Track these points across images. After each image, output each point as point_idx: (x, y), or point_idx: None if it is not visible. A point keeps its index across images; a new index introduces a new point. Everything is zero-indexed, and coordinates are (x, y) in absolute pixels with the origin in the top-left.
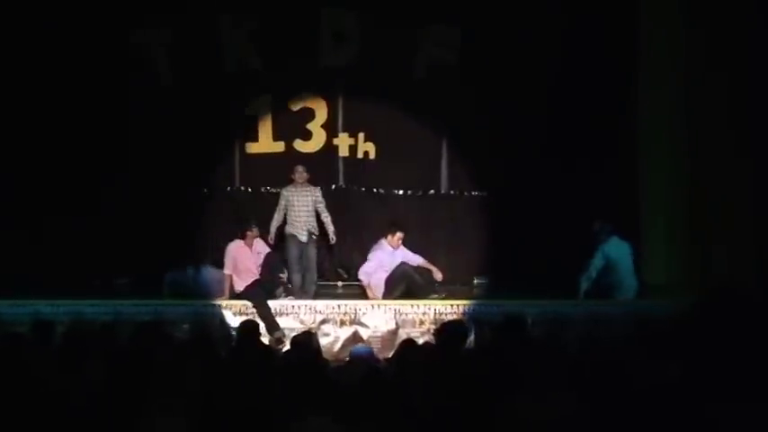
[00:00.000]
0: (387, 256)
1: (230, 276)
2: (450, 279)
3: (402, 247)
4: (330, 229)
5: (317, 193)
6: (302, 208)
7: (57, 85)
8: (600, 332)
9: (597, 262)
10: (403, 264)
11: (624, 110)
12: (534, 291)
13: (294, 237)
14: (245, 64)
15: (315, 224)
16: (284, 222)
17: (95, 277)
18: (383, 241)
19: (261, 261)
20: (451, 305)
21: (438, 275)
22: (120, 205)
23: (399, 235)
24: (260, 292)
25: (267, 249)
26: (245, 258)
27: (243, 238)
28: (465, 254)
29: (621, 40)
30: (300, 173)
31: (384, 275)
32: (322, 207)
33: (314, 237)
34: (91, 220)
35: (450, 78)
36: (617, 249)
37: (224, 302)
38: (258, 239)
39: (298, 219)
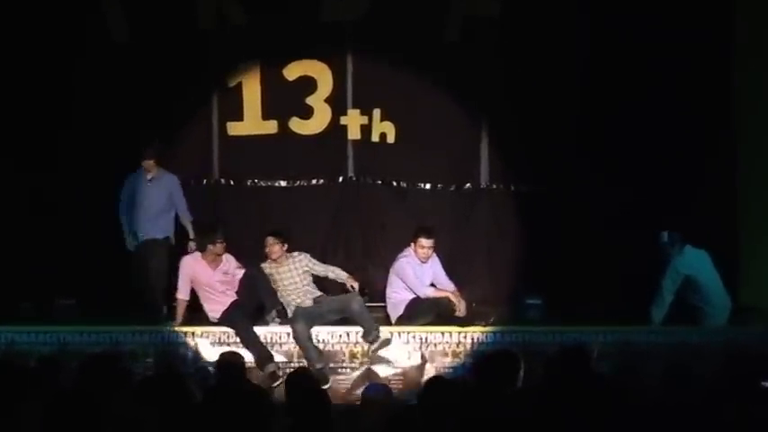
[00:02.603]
0: (417, 270)
1: (183, 302)
2: (493, 299)
3: (435, 259)
4: (343, 278)
5: (302, 260)
6: (289, 283)
7: None
8: (684, 366)
9: (670, 283)
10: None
11: (718, 94)
12: (601, 314)
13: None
14: (226, 18)
15: (314, 290)
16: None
17: (31, 298)
18: (410, 250)
19: (230, 281)
20: (494, 332)
21: (461, 310)
22: (60, 204)
23: (424, 243)
24: (241, 316)
25: (239, 270)
26: (205, 276)
27: (202, 250)
28: (512, 267)
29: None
30: (271, 245)
31: (407, 294)
32: (320, 269)
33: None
34: (23, 223)
35: (491, 38)
36: (693, 261)
37: (198, 329)
38: (228, 257)
39: (288, 295)
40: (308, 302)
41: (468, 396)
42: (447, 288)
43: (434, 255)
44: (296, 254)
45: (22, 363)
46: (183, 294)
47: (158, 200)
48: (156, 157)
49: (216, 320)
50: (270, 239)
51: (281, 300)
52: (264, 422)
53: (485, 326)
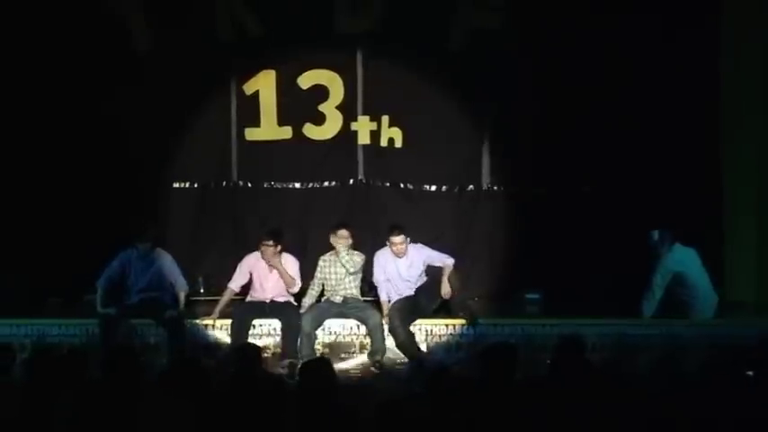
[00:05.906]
0: (390, 264)
1: (230, 291)
2: (494, 294)
3: (416, 248)
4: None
5: (357, 260)
6: (340, 278)
7: None
8: (675, 358)
9: (659, 279)
10: (418, 290)
11: (704, 96)
12: (596, 308)
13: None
14: (243, 31)
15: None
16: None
17: (59, 292)
18: (386, 249)
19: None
20: (495, 325)
21: (445, 289)
22: (86, 206)
23: (395, 240)
24: (243, 313)
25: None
26: (262, 273)
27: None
28: (512, 263)
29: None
30: (346, 238)
31: (397, 288)
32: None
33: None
34: (47, 222)
35: (493, 48)
36: (682, 258)
37: (217, 322)
38: (290, 261)
39: (335, 289)
40: (339, 299)
41: (471, 387)
42: (445, 262)
43: (413, 245)
44: (356, 253)
45: (55, 354)
46: (233, 284)
47: (151, 281)
48: (153, 240)
49: None
50: (344, 232)
51: (329, 291)
52: (280, 409)
53: (466, 317)
